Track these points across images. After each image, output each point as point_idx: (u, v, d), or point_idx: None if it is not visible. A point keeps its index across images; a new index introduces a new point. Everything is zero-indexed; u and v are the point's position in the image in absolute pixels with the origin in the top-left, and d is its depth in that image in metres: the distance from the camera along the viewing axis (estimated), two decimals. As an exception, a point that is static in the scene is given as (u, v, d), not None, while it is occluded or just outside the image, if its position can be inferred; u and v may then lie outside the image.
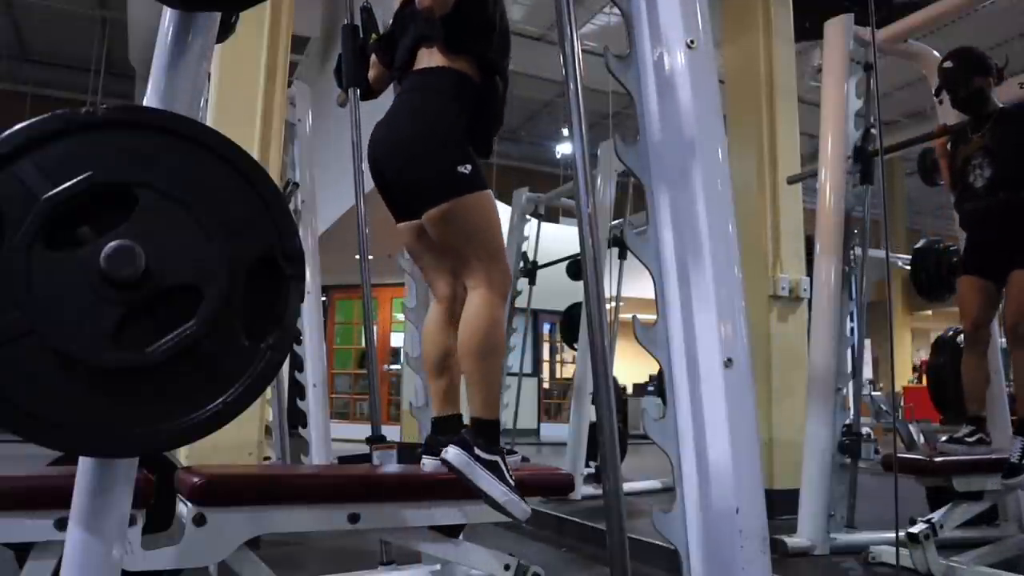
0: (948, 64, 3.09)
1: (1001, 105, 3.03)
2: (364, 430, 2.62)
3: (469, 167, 1.76)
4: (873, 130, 3.34)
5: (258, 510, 1.72)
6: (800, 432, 3.30)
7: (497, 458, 1.68)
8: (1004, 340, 3.20)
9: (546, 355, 12.87)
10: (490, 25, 1.87)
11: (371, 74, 2.19)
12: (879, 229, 3.96)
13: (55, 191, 0.96)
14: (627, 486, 4.11)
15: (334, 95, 2.35)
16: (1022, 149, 2.91)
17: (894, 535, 2.75)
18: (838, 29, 3.39)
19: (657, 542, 2.68)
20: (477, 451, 1.66)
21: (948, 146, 3.24)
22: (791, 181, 4.13)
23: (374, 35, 2.17)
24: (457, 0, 1.74)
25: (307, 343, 3.56)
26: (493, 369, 1.75)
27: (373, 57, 2.16)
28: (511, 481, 1.68)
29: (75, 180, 0.97)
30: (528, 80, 10.88)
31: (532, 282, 5.41)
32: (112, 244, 0.97)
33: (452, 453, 1.66)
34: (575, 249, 3.92)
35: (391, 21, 2.08)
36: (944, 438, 3.07)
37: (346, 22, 2.34)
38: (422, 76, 1.85)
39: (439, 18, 1.79)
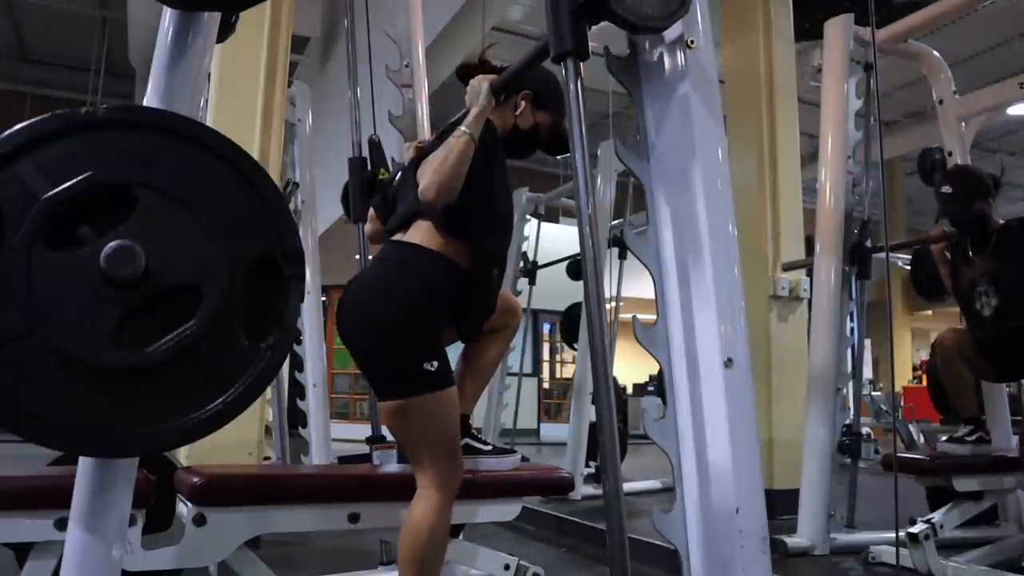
0: (946, 189, 2.97)
1: (1001, 222, 2.96)
2: (364, 430, 2.62)
3: (436, 363, 1.64)
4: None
5: (258, 510, 1.73)
6: (800, 432, 3.30)
7: None
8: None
9: (546, 355, 12.87)
10: (492, 212, 1.77)
11: (367, 228, 2.05)
12: (879, 229, 3.97)
13: (55, 191, 0.96)
14: (627, 486, 4.11)
15: (334, 90, 2.35)
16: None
17: (894, 535, 2.75)
18: (838, 29, 3.39)
19: (657, 542, 2.68)
20: None
21: (947, 252, 3.20)
22: (787, 268, 4.11)
23: (383, 170, 2.12)
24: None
25: (307, 343, 3.56)
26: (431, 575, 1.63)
27: (371, 212, 2.05)
28: None
29: (75, 180, 0.97)
30: (528, 80, 10.85)
31: (532, 282, 5.41)
32: (112, 244, 0.97)
33: None
34: (575, 249, 3.93)
35: (400, 173, 1.98)
36: (944, 438, 3.07)
37: (352, 155, 2.32)
38: (411, 252, 1.72)
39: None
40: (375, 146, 2.26)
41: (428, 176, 1.64)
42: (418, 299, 1.67)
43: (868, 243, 3.27)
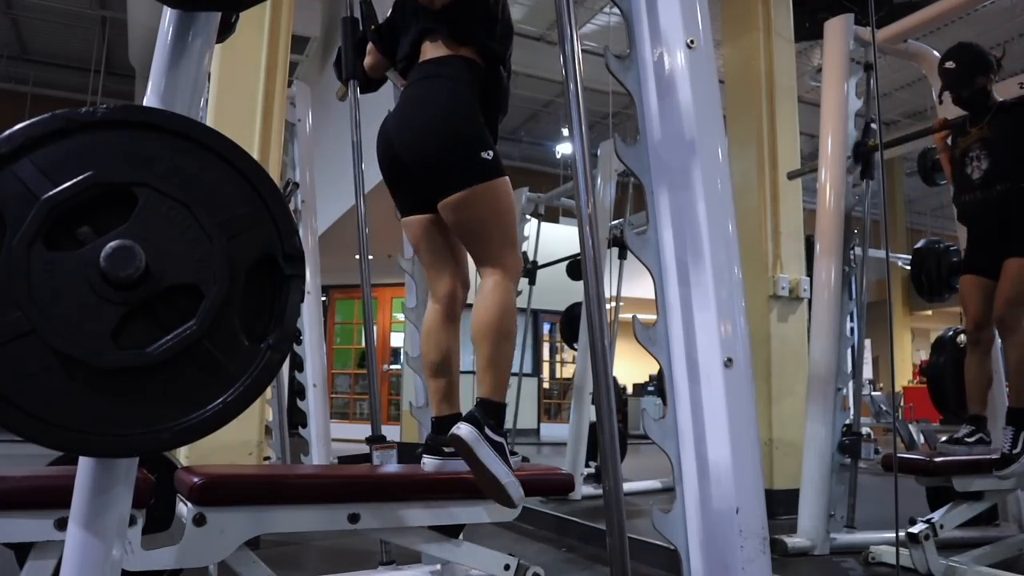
0: (950, 64, 3.08)
1: (1000, 99, 3.05)
2: (364, 430, 2.62)
3: (491, 153, 1.78)
4: (873, 125, 3.34)
5: (258, 510, 1.72)
6: (800, 432, 3.30)
7: (503, 440, 1.71)
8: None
9: (546, 355, 12.87)
10: (492, 16, 1.90)
11: (367, 61, 2.17)
12: (879, 229, 3.97)
13: (55, 191, 0.96)
14: (627, 486, 4.12)
15: (334, 91, 2.34)
16: (1019, 141, 2.93)
17: (894, 535, 2.75)
18: (838, 29, 3.39)
19: (657, 542, 2.68)
20: (487, 430, 1.68)
21: (948, 141, 3.25)
22: (791, 176, 4.13)
23: (373, 27, 2.17)
24: None
25: (307, 343, 3.56)
26: (505, 353, 1.77)
27: (369, 45, 2.16)
28: (511, 465, 1.71)
29: (75, 180, 0.97)
30: (528, 80, 10.88)
31: (532, 282, 5.41)
32: (112, 244, 0.97)
33: (464, 429, 1.66)
34: (575, 249, 3.93)
35: (391, 10, 2.08)
36: (944, 438, 3.07)
37: (346, 15, 2.34)
38: (434, 65, 1.87)
39: (441, 8, 1.83)
40: (366, 2, 2.27)
41: None
42: (459, 96, 1.80)
43: (870, 143, 3.30)
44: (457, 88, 1.81)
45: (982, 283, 3.01)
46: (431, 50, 1.88)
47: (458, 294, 2.00)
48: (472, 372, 1.98)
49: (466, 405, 1.99)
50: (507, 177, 1.82)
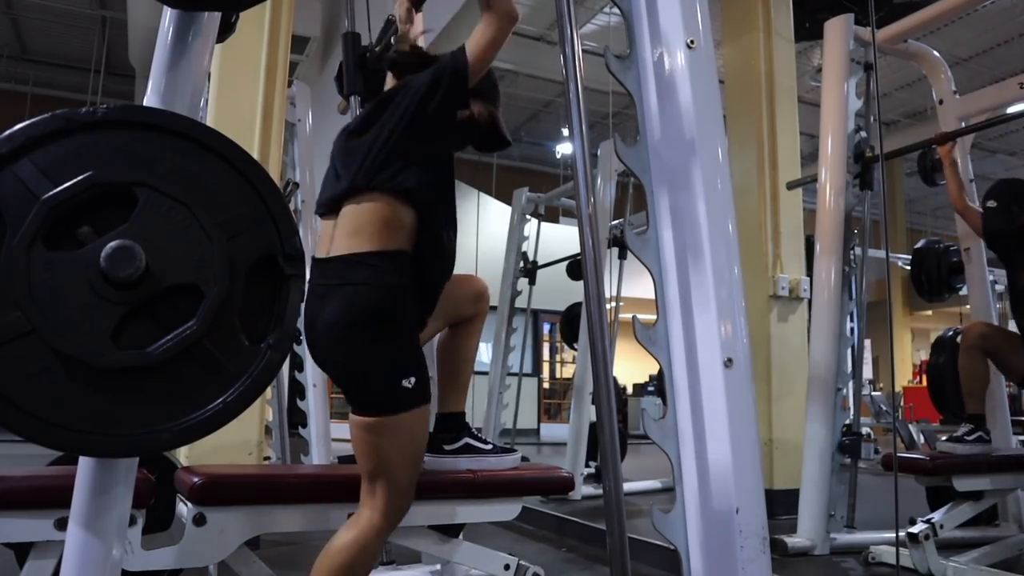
0: (992, 204, 3.07)
1: None
2: (364, 430, 2.61)
3: (414, 379, 1.53)
4: (872, 135, 3.34)
5: (258, 510, 1.72)
6: (800, 432, 3.30)
7: None
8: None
9: (546, 355, 12.88)
10: (445, 181, 1.66)
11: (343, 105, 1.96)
12: (879, 229, 3.97)
13: (55, 191, 0.96)
14: (627, 486, 4.11)
15: (334, 90, 2.34)
16: None
17: (894, 535, 2.75)
18: (838, 29, 3.39)
19: (657, 542, 2.68)
20: None
21: (953, 154, 3.23)
22: (791, 186, 4.13)
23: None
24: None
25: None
26: None
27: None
28: None
29: (75, 180, 0.97)
30: (528, 80, 10.89)
31: (532, 282, 5.41)
32: (112, 244, 0.97)
33: None
34: (575, 249, 3.92)
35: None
36: (944, 438, 3.07)
37: (347, 31, 2.32)
38: (352, 269, 1.55)
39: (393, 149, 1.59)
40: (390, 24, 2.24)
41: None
42: (382, 307, 1.54)
43: (869, 154, 3.29)
44: (382, 300, 1.53)
45: (1013, 337, 3.04)
46: (365, 231, 1.55)
47: (478, 309, 1.94)
48: (483, 373, 1.97)
49: (469, 410, 1.99)
50: (425, 406, 1.58)
